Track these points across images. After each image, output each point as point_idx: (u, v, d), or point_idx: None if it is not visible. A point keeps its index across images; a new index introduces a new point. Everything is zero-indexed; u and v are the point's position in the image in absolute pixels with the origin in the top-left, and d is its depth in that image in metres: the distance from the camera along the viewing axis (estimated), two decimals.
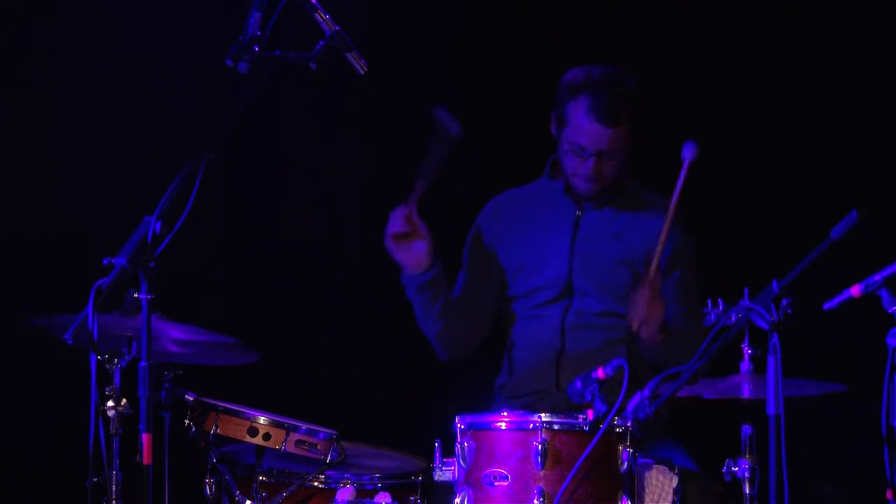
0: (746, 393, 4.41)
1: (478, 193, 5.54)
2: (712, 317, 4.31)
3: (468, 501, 4.45)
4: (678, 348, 4.98)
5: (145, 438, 4.04)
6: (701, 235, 5.35)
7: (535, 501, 4.37)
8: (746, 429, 4.44)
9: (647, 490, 4.63)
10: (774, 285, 4.12)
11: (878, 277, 4.09)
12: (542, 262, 5.31)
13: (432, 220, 5.37)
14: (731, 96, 6.19)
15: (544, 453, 4.39)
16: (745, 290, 4.21)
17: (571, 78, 5.21)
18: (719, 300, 4.32)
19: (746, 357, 4.46)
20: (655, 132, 5.36)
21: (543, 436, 4.40)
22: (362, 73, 4.26)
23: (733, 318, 4.23)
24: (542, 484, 4.39)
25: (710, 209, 5.89)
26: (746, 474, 4.43)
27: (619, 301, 5.21)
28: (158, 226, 4.05)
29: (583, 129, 5.15)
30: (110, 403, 4.30)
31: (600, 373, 4.41)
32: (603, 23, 6.24)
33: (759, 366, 4.41)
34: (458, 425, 4.51)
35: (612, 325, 5.23)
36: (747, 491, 4.44)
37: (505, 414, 4.52)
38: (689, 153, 4.98)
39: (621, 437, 4.43)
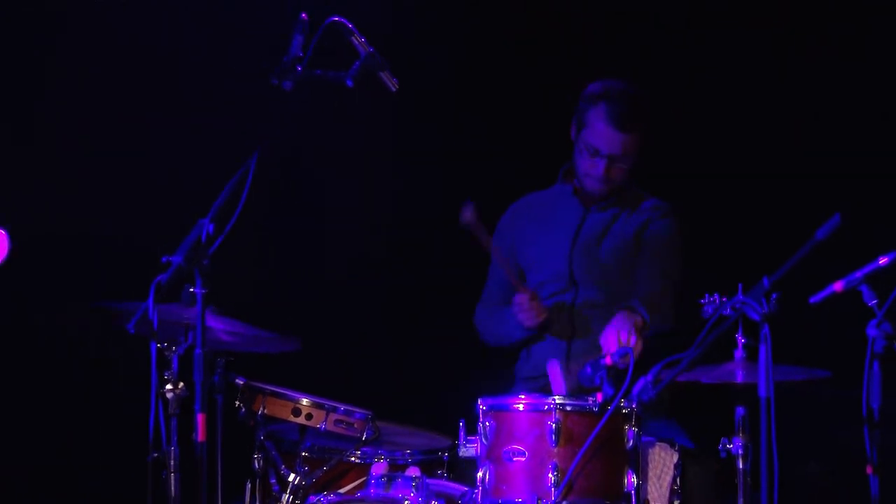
0: (740, 378, 4.42)
1: (500, 199, 5.56)
2: (709, 309, 4.31)
3: (489, 475, 4.49)
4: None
5: (200, 418, 4.06)
6: (699, 234, 5.33)
7: (550, 475, 4.41)
8: (740, 410, 4.44)
9: (650, 465, 4.66)
10: (765, 281, 4.14)
11: (858, 274, 4.11)
12: (547, 258, 5.34)
13: (454, 227, 5.38)
14: (726, 103, 6.13)
15: (558, 432, 4.43)
16: (740, 286, 4.24)
17: (593, 89, 5.27)
18: (716, 294, 4.33)
19: (740, 346, 4.46)
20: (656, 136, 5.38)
21: (557, 416, 4.43)
22: (394, 90, 4.29)
23: (728, 310, 4.22)
24: (556, 460, 4.42)
25: (710, 210, 5.91)
26: (740, 451, 4.42)
27: (621, 292, 5.18)
28: (212, 227, 4.07)
29: (599, 132, 5.21)
30: (169, 387, 4.31)
31: (608, 360, 4.49)
32: (612, 38, 6.22)
33: (751, 354, 4.40)
34: (481, 406, 4.55)
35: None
36: (740, 466, 4.43)
37: (522, 396, 4.58)
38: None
39: (627, 418, 4.47)
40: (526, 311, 5.17)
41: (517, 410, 4.51)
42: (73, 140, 6.04)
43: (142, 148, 6.08)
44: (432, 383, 6.03)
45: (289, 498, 4.78)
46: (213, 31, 6.11)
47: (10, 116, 5.98)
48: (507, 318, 5.29)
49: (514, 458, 4.47)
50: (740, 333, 4.42)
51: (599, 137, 5.22)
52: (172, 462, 4.26)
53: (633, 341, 4.76)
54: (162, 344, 4.34)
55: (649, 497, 4.64)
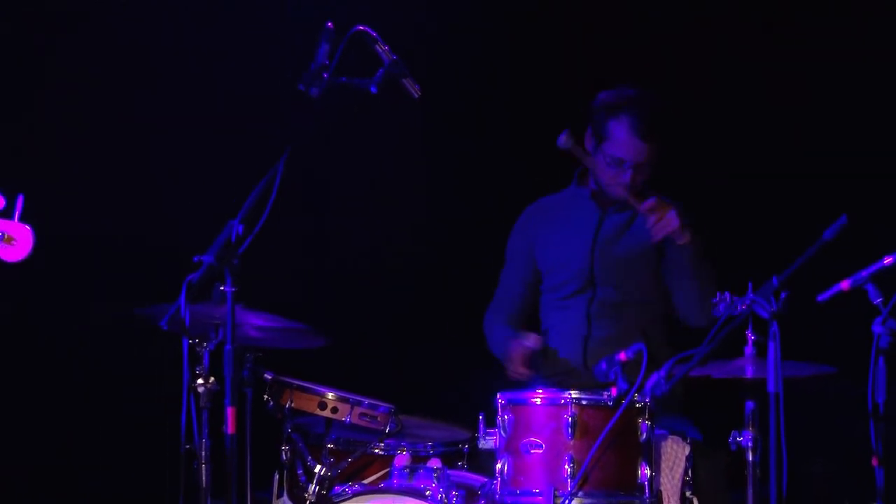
0: (749, 373, 4.46)
1: (512, 203, 5.57)
2: (721, 308, 4.33)
3: (508, 467, 4.54)
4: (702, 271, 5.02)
5: (230, 411, 4.11)
6: (712, 235, 5.23)
7: (566, 467, 4.46)
8: (749, 404, 4.47)
9: (662, 458, 4.71)
10: (774, 280, 4.21)
11: (864, 273, 4.19)
12: (568, 258, 5.32)
13: (474, 231, 5.44)
14: (731, 103, 6.10)
15: (574, 425, 4.48)
16: (749, 284, 4.28)
17: (608, 99, 5.22)
18: (727, 293, 4.34)
19: (750, 342, 4.47)
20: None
21: (573, 410, 4.48)
22: (416, 96, 4.31)
23: (739, 308, 4.27)
24: (572, 452, 4.48)
25: (720, 213, 5.90)
26: (749, 444, 4.45)
27: (636, 291, 5.22)
28: (241, 228, 4.11)
29: (623, 142, 5.16)
30: (200, 381, 4.35)
31: (622, 356, 4.50)
32: (616, 39, 6.20)
33: (760, 350, 4.42)
34: (500, 400, 4.59)
35: (631, 313, 5.23)
36: (750, 459, 4.46)
37: (539, 391, 4.61)
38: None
39: (641, 412, 4.52)
40: (516, 363, 5.09)
41: (535, 404, 4.56)
42: (75, 140, 6.03)
43: (143, 149, 6.08)
44: (453, 378, 6.02)
45: (315, 488, 4.81)
46: (217, 33, 6.12)
47: (12, 117, 5.96)
48: (502, 347, 5.24)
49: (532, 451, 4.51)
50: (750, 330, 4.44)
51: (623, 148, 5.17)
52: (204, 453, 4.32)
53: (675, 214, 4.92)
54: (194, 340, 4.37)
55: (662, 488, 4.68)
